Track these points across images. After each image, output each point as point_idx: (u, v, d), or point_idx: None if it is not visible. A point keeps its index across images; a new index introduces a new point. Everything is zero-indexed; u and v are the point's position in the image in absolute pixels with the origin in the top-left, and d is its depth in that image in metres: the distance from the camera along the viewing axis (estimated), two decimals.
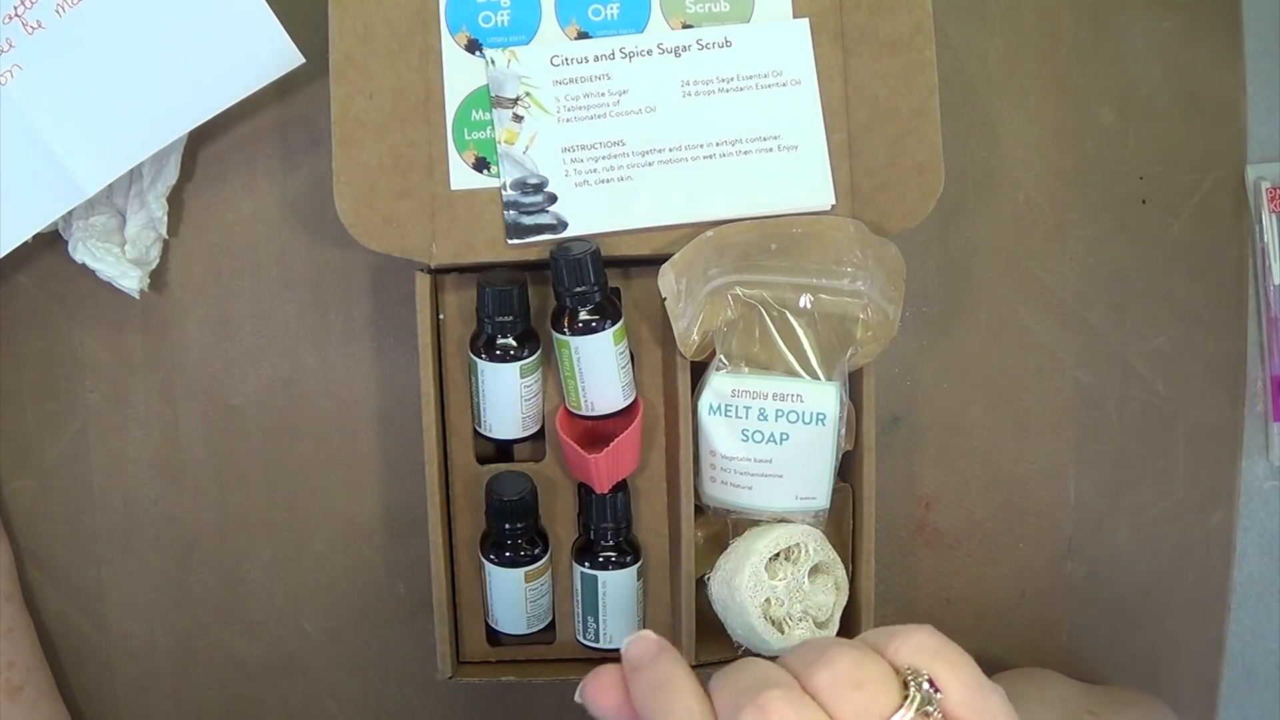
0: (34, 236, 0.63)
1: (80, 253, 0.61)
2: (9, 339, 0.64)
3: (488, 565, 0.60)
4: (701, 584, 0.61)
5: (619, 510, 0.60)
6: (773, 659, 0.40)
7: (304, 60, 0.58)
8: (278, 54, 0.58)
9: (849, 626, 0.61)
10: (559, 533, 0.62)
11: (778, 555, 0.58)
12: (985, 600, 0.68)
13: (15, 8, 0.56)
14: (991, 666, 0.69)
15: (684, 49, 0.58)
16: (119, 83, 0.58)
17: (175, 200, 0.63)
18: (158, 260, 0.63)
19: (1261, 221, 0.68)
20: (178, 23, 0.58)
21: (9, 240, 0.59)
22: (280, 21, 0.58)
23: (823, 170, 0.58)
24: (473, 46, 0.57)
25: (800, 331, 0.57)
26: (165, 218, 0.63)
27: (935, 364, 0.67)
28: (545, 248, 0.57)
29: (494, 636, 0.63)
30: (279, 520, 0.66)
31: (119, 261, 0.61)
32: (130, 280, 0.61)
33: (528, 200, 0.57)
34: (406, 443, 0.65)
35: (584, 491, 0.61)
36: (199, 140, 0.63)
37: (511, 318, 0.57)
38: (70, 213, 0.61)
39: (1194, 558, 0.69)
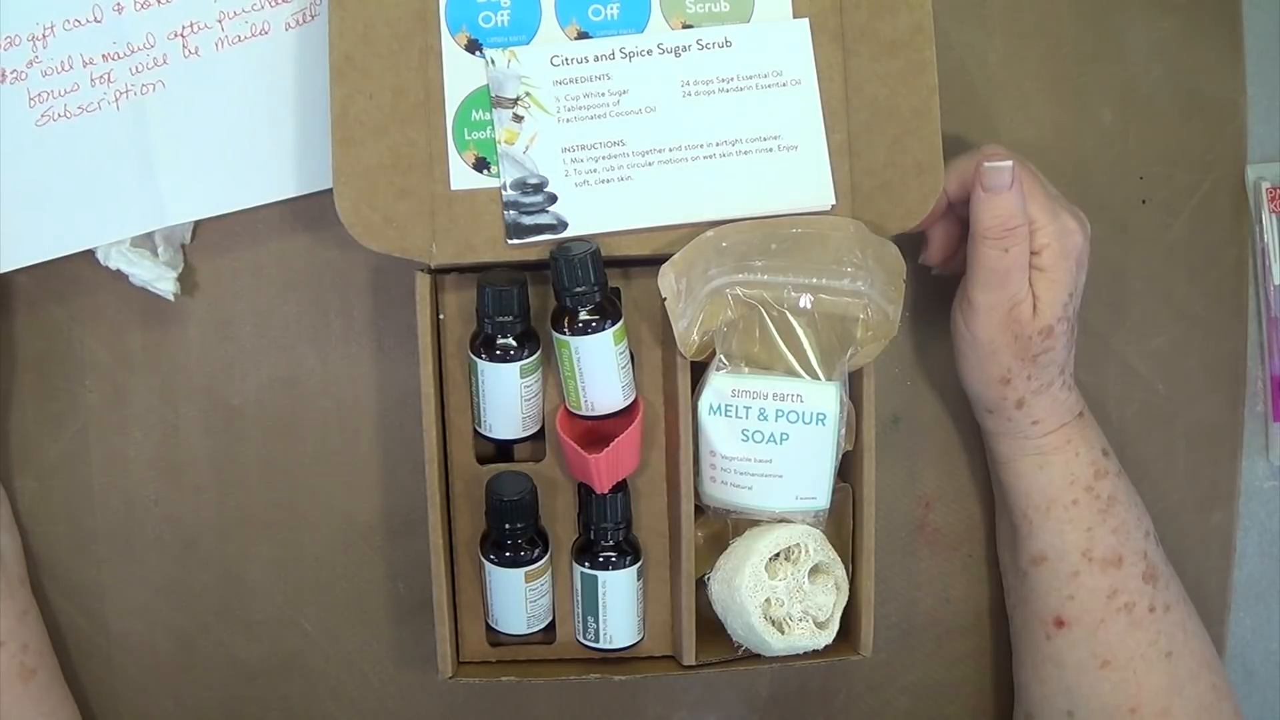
0: None
1: (115, 259, 0.61)
2: (9, 339, 0.64)
3: (488, 565, 0.60)
4: (701, 584, 0.61)
5: (619, 510, 0.60)
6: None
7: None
8: None
9: (849, 626, 0.61)
10: (559, 533, 0.62)
11: (778, 555, 0.58)
12: (985, 600, 0.68)
13: (184, 28, 0.58)
14: (991, 666, 0.69)
15: (684, 49, 0.58)
16: (241, 131, 0.60)
17: None
18: (183, 263, 0.63)
19: (1261, 221, 0.68)
20: (308, 94, 0.59)
21: (87, 239, 0.60)
22: None
23: (823, 170, 0.58)
24: (473, 46, 0.57)
25: (800, 331, 0.57)
26: (193, 221, 0.63)
27: (935, 364, 0.67)
28: (545, 248, 0.57)
29: (494, 636, 0.63)
30: (279, 520, 0.66)
31: (155, 265, 0.61)
32: (166, 283, 0.62)
33: (528, 200, 0.57)
34: (406, 443, 0.65)
35: (584, 491, 0.61)
36: None
37: (511, 318, 0.57)
38: None
39: (1194, 558, 0.69)
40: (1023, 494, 0.62)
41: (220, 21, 0.58)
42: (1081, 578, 0.60)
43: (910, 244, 0.65)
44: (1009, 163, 0.56)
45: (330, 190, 0.57)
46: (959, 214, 0.61)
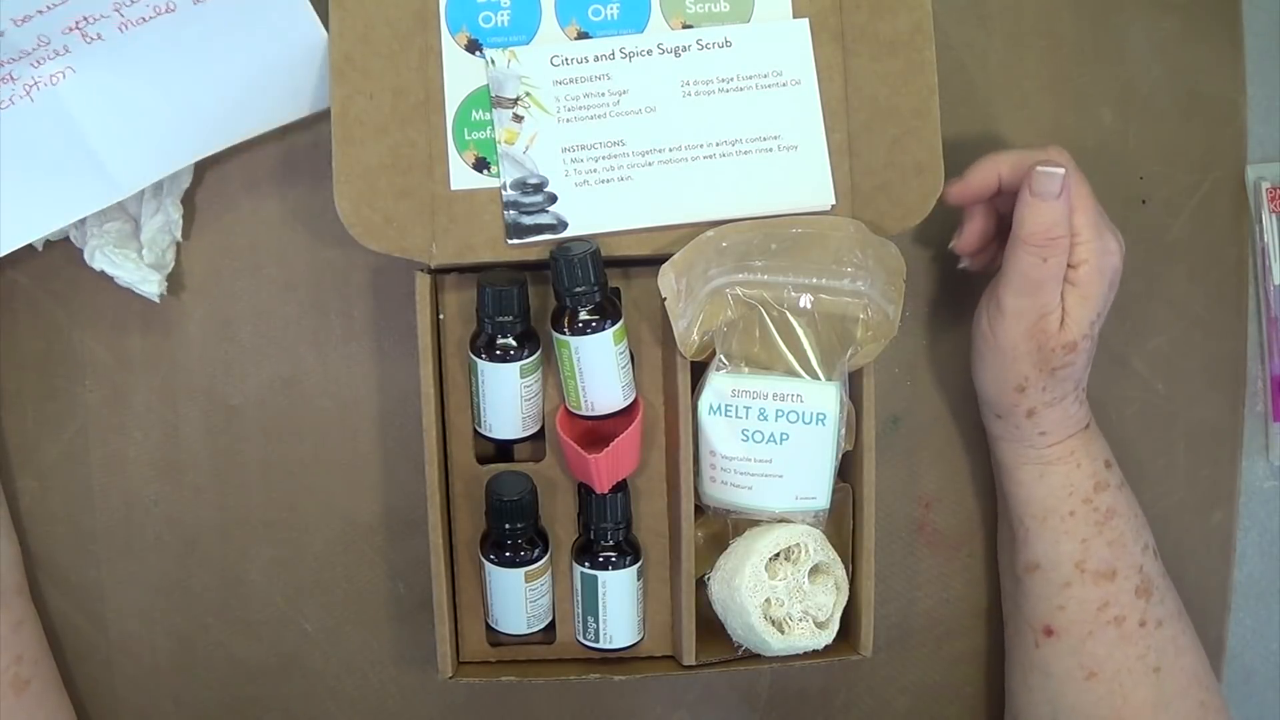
0: (43, 244, 0.63)
1: (98, 260, 0.61)
2: (9, 339, 0.64)
3: (488, 565, 0.60)
4: (701, 584, 0.61)
5: (619, 510, 0.60)
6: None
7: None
8: (318, 92, 0.59)
9: (849, 626, 0.61)
10: (559, 533, 0.62)
11: (778, 555, 0.58)
12: (985, 601, 0.68)
13: (77, 21, 0.57)
14: (991, 667, 0.69)
15: (684, 49, 0.58)
16: (168, 96, 0.59)
17: None
18: (173, 263, 0.63)
19: (1261, 221, 0.68)
20: (236, 47, 0.59)
21: (44, 226, 0.60)
22: None
23: (823, 170, 0.58)
24: (473, 46, 0.57)
25: (800, 331, 0.57)
26: (180, 220, 0.63)
27: (935, 364, 0.67)
28: (545, 248, 0.57)
29: (494, 636, 0.63)
30: (279, 520, 0.66)
31: (138, 267, 0.61)
32: (150, 285, 0.61)
33: (528, 200, 0.57)
34: (406, 443, 0.65)
35: (584, 491, 0.61)
36: None
37: (511, 318, 0.57)
38: (84, 221, 0.62)
39: (1194, 558, 0.69)
40: (1021, 501, 0.62)
41: (118, 9, 0.57)
42: (1073, 588, 0.60)
43: (910, 244, 0.65)
44: (1061, 170, 0.55)
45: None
46: (1001, 209, 0.61)
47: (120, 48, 0.58)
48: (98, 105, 0.59)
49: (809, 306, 0.57)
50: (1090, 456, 0.61)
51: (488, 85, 0.57)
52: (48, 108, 0.58)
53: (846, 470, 0.61)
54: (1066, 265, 0.57)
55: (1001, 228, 0.60)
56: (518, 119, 0.57)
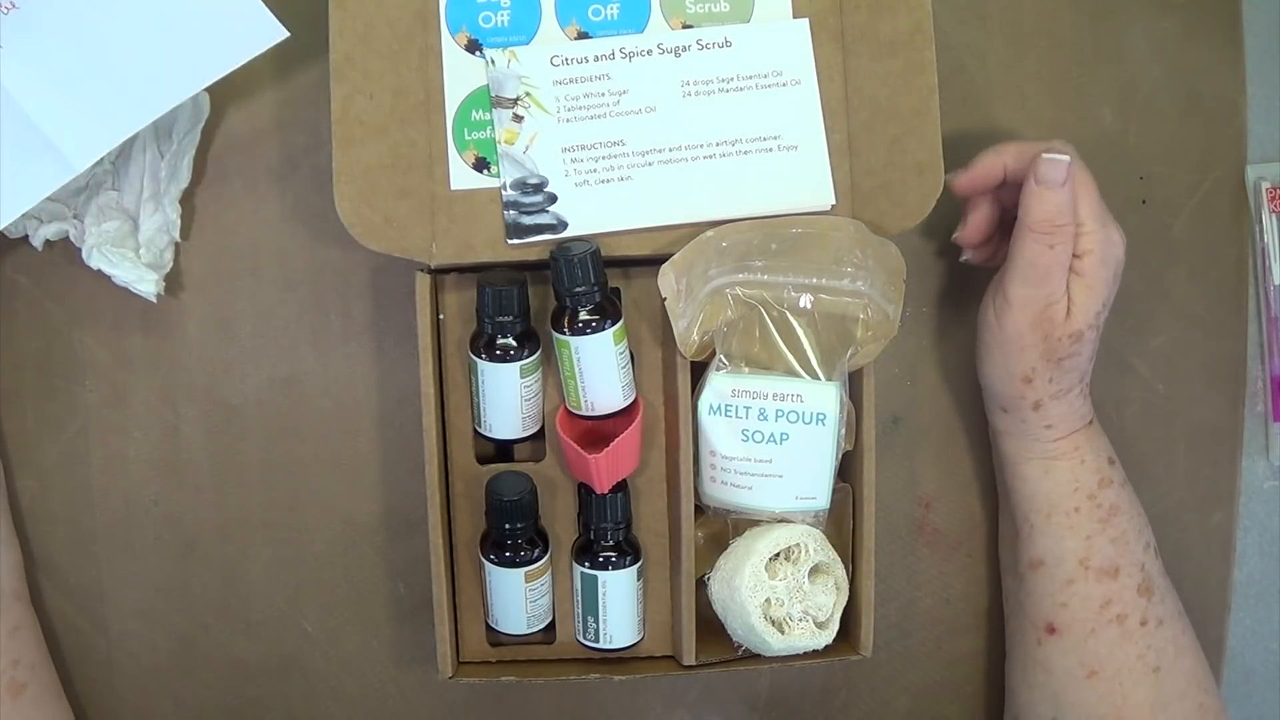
0: (43, 244, 0.63)
1: (96, 259, 0.61)
2: (9, 339, 0.64)
3: (488, 565, 0.60)
4: (701, 584, 0.61)
5: (619, 510, 0.60)
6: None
7: (287, 34, 0.58)
8: (260, 28, 0.58)
9: (849, 626, 0.61)
10: (559, 533, 0.62)
11: (778, 555, 0.58)
12: (985, 600, 0.68)
13: None
14: (991, 667, 0.69)
15: (684, 49, 0.58)
16: (101, 58, 0.58)
17: None
18: (171, 263, 0.63)
19: (1261, 221, 0.68)
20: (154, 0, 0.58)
21: (4, 215, 0.59)
22: (281, 21, 0.58)
23: (823, 170, 0.58)
24: (473, 46, 0.57)
25: (800, 331, 0.57)
26: (179, 220, 0.63)
27: (935, 364, 0.67)
28: (545, 248, 0.57)
29: (494, 636, 0.63)
30: (279, 520, 0.66)
31: (135, 266, 0.61)
32: (147, 284, 0.61)
33: (528, 200, 0.57)
34: (406, 443, 0.65)
35: (584, 491, 0.61)
36: (199, 140, 0.63)
37: (511, 318, 0.57)
38: (83, 220, 0.62)
39: (1194, 558, 0.69)
40: (1026, 497, 0.62)
41: None
42: (1076, 585, 0.60)
43: (910, 244, 0.65)
44: (1067, 158, 0.56)
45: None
46: (1005, 201, 0.61)
47: (37, 12, 0.57)
48: (32, 80, 0.58)
49: (809, 306, 0.57)
50: (1095, 452, 0.61)
51: (488, 85, 0.57)
52: None
53: (846, 470, 0.61)
54: (1072, 255, 0.57)
55: (1005, 221, 0.60)
56: (518, 119, 0.57)
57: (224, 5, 0.58)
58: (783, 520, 0.59)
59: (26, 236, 0.62)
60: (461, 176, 0.57)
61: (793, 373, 0.57)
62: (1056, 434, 0.60)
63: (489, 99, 0.57)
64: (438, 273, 0.60)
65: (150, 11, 0.58)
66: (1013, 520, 0.63)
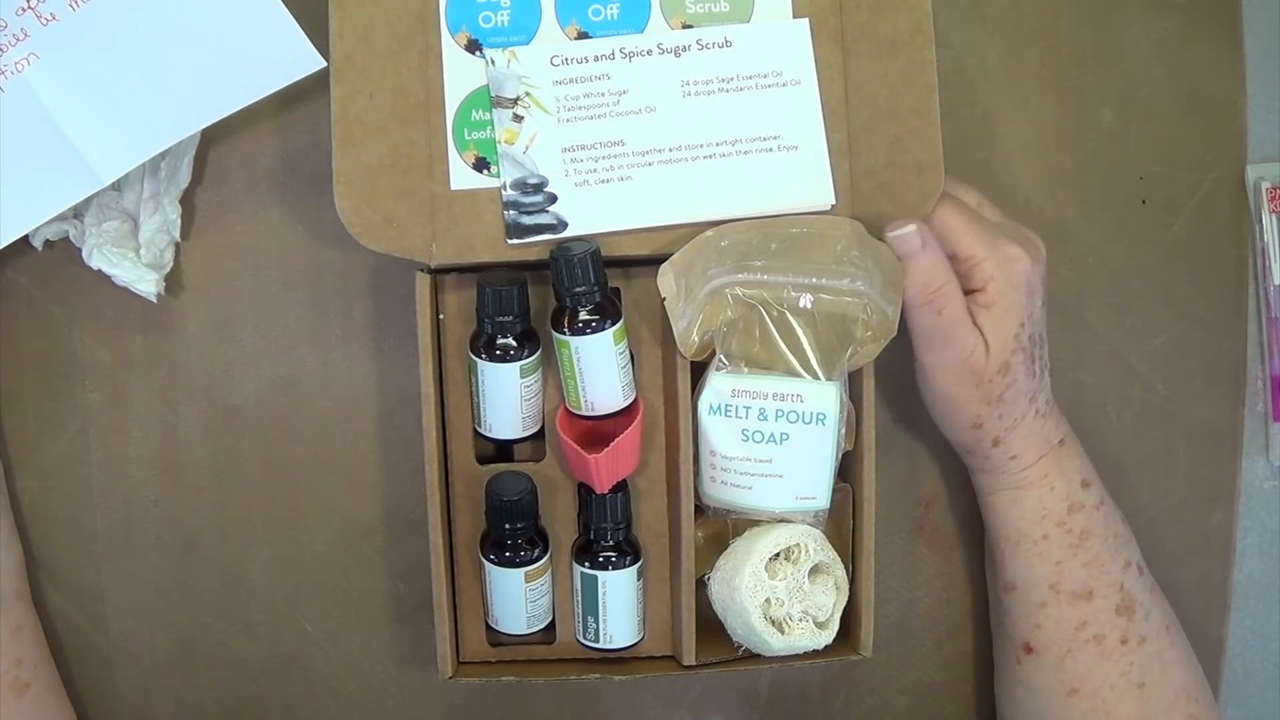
0: (43, 244, 0.63)
1: (96, 259, 0.61)
2: (9, 339, 0.64)
3: (488, 565, 0.60)
4: (701, 584, 0.61)
5: (619, 510, 0.60)
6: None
7: (324, 64, 0.57)
8: (297, 56, 0.58)
9: (849, 626, 0.61)
10: (559, 533, 0.62)
11: (778, 555, 0.58)
12: (985, 600, 0.68)
13: (28, 1, 0.57)
14: (991, 667, 0.69)
15: (684, 49, 0.58)
16: (136, 75, 0.58)
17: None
18: (171, 263, 0.63)
19: (1261, 221, 0.68)
20: (193, 20, 0.58)
21: (27, 222, 0.59)
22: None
23: (823, 170, 0.58)
24: (473, 46, 0.57)
25: (800, 331, 0.57)
26: (179, 220, 0.63)
27: None
28: (545, 248, 0.57)
29: (494, 636, 0.63)
30: (279, 520, 0.66)
31: (135, 266, 0.61)
32: (147, 284, 0.61)
33: (528, 200, 0.57)
34: (406, 443, 0.65)
35: (584, 491, 0.61)
36: (199, 140, 0.63)
37: (511, 318, 0.57)
38: (83, 220, 0.62)
39: (1194, 558, 0.69)
40: (994, 526, 0.62)
41: None
42: (1049, 609, 0.60)
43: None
44: (911, 227, 0.55)
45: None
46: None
47: (77, 27, 0.58)
48: (66, 91, 0.58)
49: (809, 306, 0.57)
50: (1065, 477, 0.60)
51: (488, 85, 0.57)
52: (18, 97, 0.58)
53: (846, 470, 0.61)
54: (973, 292, 0.57)
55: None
56: (518, 119, 0.57)
57: (266, 32, 0.58)
58: (783, 520, 0.59)
59: (27, 236, 0.62)
60: (461, 176, 0.57)
61: (793, 373, 0.57)
62: (1024, 463, 0.60)
63: (489, 99, 0.57)
64: (438, 273, 0.60)
65: (191, 32, 0.58)
66: (989, 544, 0.63)
